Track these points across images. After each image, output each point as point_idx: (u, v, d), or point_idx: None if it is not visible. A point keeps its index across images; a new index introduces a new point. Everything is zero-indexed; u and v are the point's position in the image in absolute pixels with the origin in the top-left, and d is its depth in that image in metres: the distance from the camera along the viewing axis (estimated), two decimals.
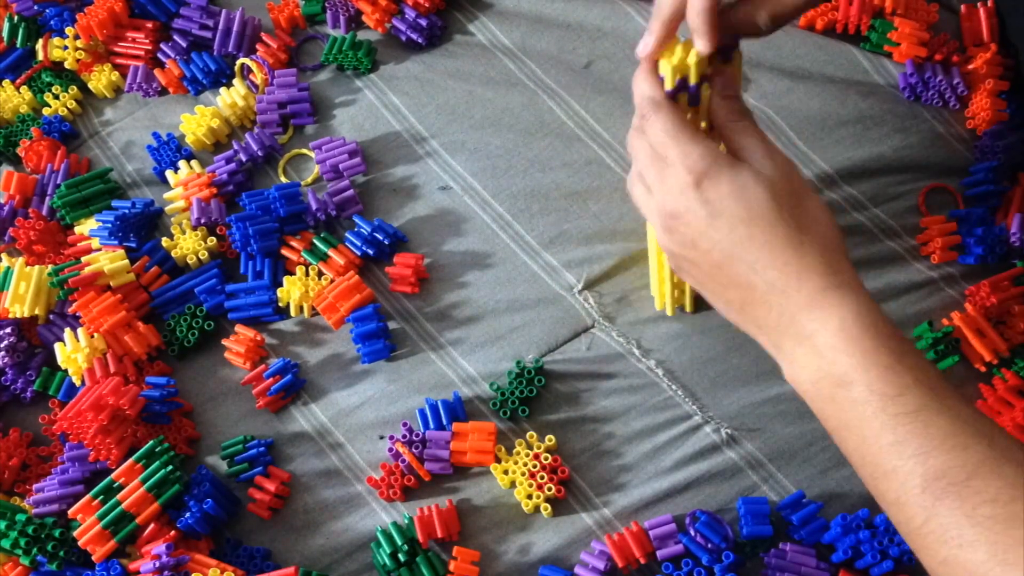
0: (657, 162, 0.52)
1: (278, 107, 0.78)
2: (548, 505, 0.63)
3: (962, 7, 0.77)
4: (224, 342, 0.70)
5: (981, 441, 0.43)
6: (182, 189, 0.75)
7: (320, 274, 0.71)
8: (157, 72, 0.81)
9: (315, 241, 0.72)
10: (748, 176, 0.49)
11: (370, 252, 0.71)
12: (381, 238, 0.71)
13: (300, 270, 0.71)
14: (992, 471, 0.42)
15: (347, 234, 0.72)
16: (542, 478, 0.63)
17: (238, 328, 0.71)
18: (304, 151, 0.77)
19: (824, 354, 0.47)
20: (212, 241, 0.73)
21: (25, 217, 0.75)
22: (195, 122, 0.77)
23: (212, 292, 0.71)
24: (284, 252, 0.73)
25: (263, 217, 0.72)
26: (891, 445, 0.44)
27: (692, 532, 0.61)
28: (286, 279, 0.71)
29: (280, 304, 0.71)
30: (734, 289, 0.51)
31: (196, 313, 0.71)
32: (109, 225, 0.71)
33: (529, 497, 0.63)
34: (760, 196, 0.49)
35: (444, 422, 0.66)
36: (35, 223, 0.74)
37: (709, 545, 0.61)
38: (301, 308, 0.71)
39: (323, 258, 0.72)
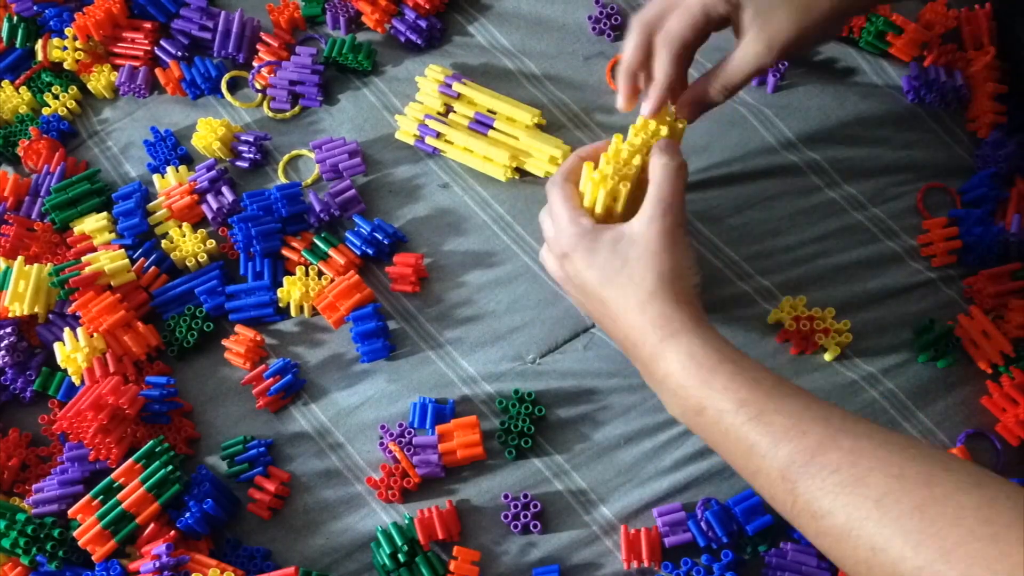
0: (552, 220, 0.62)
1: (289, 84, 0.78)
2: None
3: (963, 9, 0.77)
4: (224, 342, 0.70)
5: (817, 425, 0.49)
6: (164, 198, 0.75)
7: (320, 274, 0.71)
8: (158, 72, 0.81)
9: (316, 240, 0.72)
10: (622, 241, 0.57)
11: (370, 252, 0.71)
12: (381, 238, 0.71)
13: (300, 270, 0.71)
14: (831, 446, 0.48)
15: (347, 234, 0.72)
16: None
17: (238, 328, 0.71)
18: (304, 152, 0.77)
19: (677, 392, 0.55)
20: (212, 244, 0.73)
21: (7, 223, 0.75)
22: (207, 130, 0.76)
23: (212, 293, 0.71)
24: (284, 252, 0.73)
25: (265, 218, 0.72)
26: (748, 449, 0.51)
27: (699, 515, 0.62)
28: (286, 279, 0.71)
29: (280, 304, 0.71)
30: (612, 327, 0.59)
31: (196, 314, 0.71)
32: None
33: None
34: (621, 260, 0.57)
35: (428, 426, 0.66)
36: (15, 228, 0.74)
37: (711, 533, 0.61)
38: (301, 308, 0.71)
39: (323, 257, 0.72)
